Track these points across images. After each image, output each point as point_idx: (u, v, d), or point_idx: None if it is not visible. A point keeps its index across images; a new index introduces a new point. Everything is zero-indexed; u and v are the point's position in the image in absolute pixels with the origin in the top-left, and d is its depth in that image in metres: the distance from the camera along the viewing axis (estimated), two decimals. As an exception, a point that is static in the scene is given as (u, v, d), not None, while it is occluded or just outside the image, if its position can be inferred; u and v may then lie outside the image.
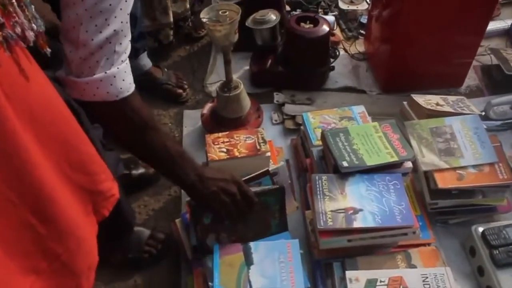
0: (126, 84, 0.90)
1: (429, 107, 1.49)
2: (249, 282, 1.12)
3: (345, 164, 1.24)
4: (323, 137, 1.34)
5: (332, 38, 1.93)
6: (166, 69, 1.92)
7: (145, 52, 1.84)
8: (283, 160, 1.49)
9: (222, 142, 1.38)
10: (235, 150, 1.35)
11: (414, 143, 1.38)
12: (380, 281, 1.13)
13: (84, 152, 0.85)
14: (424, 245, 1.27)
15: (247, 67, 1.95)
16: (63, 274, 0.80)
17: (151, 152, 1.02)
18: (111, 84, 0.87)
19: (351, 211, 1.17)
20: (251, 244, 1.20)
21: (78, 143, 0.83)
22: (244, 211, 1.17)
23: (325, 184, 1.23)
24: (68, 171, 0.80)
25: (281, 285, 1.12)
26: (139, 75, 1.76)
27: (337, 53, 1.89)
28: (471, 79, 1.91)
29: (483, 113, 1.64)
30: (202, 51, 2.13)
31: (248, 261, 1.17)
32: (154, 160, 1.08)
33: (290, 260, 1.17)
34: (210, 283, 1.13)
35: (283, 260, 1.17)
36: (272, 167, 1.37)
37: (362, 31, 2.12)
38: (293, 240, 1.22)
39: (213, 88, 1.86)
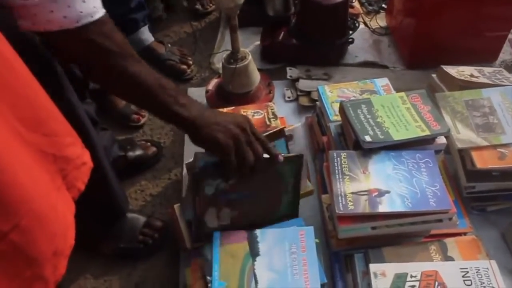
0: (88, 6, 0.77)
1: (462, 78, 1.33)
2: (255, 276, 0.97)
3: (368, 138, 1.09)
4: (342, 109, 1.18)
5: (350, 10, 1.81)
6: (169, 45, 1.81)
7: (146, 26, 1.74)
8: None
9: (227, 118, 1.24)
10: (242, 126, 1.21)
11: (447, 117, 1.23)
12: (411, 276, 0.97)
13: (38, 106, 0.69)
14: (460, 234, 1.13)
15: (258, 43, 1.82)
16: (14, 259, 0.63)
17: (130, 84, 0.87)
18: (69, 6, 0.74)
19: (376, 193, 1.03)
20: (257, 231, 1.05)
21: (30, 93, 0.67)
22: (256, 156, 0.96)
23: (344, 162, 1.08)
24: (19, 127, 0.63)
25: (292, 280, 0.97)
26: (140, 50, 1.66)
27: (357, 24, 1.73)
28: (506, 53, 1.78)
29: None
30: (209, 27, 2.01)
31: (254, 252, 1.01)
32: (138, 94, 0.91)
33: (303, 250, 1.02)
34: (208, 277, 0.98)
35: (295, 251, 1.02)
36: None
37: (383, 5, 1.99)
38: (308, 227, 1.06)
39: (220, 65, 1.71)
